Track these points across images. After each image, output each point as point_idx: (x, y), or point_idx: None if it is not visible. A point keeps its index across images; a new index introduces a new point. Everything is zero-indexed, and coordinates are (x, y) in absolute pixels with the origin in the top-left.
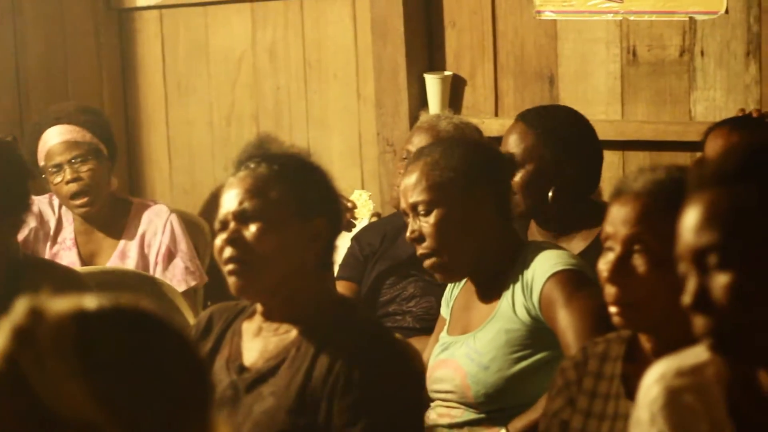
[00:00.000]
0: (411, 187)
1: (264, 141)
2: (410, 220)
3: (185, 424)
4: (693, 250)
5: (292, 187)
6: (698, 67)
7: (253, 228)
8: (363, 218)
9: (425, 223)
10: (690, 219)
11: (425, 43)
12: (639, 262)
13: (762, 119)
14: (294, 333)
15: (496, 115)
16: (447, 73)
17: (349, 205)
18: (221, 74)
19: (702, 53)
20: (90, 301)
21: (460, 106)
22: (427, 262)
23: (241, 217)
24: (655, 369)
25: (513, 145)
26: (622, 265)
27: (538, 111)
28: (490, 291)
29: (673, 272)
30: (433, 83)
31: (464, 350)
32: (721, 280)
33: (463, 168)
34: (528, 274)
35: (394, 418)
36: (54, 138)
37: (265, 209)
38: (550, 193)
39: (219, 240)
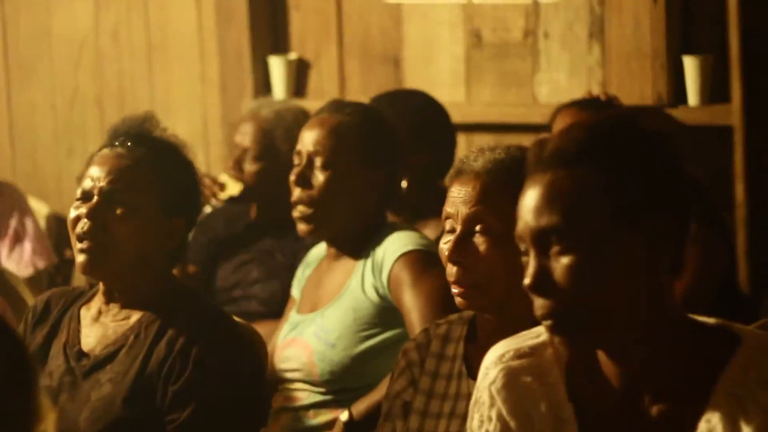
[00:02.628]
0: (315, 137)
1: (147, 121)
2: (299, 167)
3: (4, 405)
4: (533, 232)
5: (164, 182)
6: (542, 49)
7: (116, 210)
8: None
9: (318, 174)
10: (530, 200)
11: (270, 25)
12: (480, 242)
13: (610, 101)
14: (133, 319)
15: (342, 97)
16: (292, 55)
17: (216, 187)
18: (64, 57)
19: (545, 35)
20: None
21: (306, 88)
22: (299, 209)
23: (108, 196)
24: (493, 350)
25: None
26: (463, 244)
27: (390, 96)
28: (342, 267)
29: (514, 251)
30: (277, 66)
31: (312, 328)
32: (561, 262)
33: (368, 140)
34: (379, 253)
35: (228, 402)
36: None
37: (134, 197)
38: (404, 182)
39: (76, 210)
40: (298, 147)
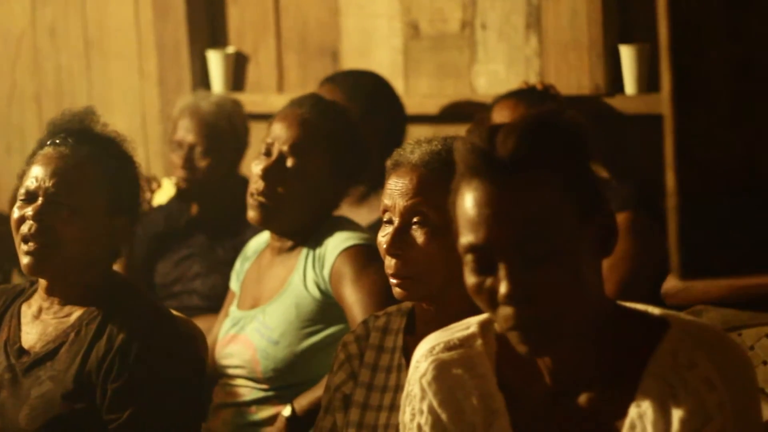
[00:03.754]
0: (291, 135)
1: (87, 116)
2: (269, 161)
3: None
4: (506, 244)
5: (109, 181)
6: (479, 40)
7: (62, 212)
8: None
9: (288, 173)
10: (489, 209)
11: (207, 19)
12: (418, 234)
13: (547, 91)
14: (74, 316)
15: (280, 91)
16: (230, 49)
17: (154, 186)
18: (1, 54)
19: (483, 27)
20: None
21: (244, 82)
22: (257, 198)
23: (53, 198)
24: (423, 343)
25: None
26: (400, 237)
27: (343, 73)
28: (284, 263)
29: (452, 243)
30: (215, 60)
31: (254, 325)
32: (542, 272)
33: (342, 149)
34: (320, 248)
35: (168, 400)
36: None
37: (79, 198)
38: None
39: (20, 211)
40: (270, 139)
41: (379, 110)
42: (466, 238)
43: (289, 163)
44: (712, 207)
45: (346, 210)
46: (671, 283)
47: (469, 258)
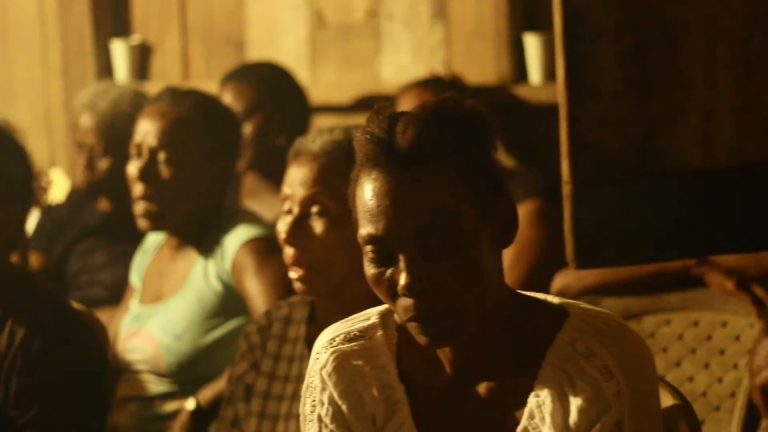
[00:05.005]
0: (156, 130)
1: None
2: (141, 162)
3: None
4: (406, 236)
5: (1, 170)
6: (385, 30)
7: None
8: (57, 199)
9: (163, 169)
10: (388, 201)
11: (111, 8)
12: (317, 224)
13: (453, 81)
14: None
15: (186, 80)
16: (134, 39)
17: (45, 182)
18: None
19: (389, 16)
20: None
21: (149, 72)
22: (142, 206)
23: None
24: (323, 335)
25: (231, 104)
26: (299, 226)
27: (246, 66)
28: (185, 257)
29: (351, 233)
30: (120, 50)
31: (157, 320)
32: (443, 263)
33: (211, 132)
34: (221, 241)
35: (71, 394)
36: None
37: None
38: (282, 141)
39: None
40: (138, 140)
41: (282, 102)
42: (365, 229)
43: (161, 157)
44: (605, 195)
45: (256, 203)
46: (564, 280)
47: (368, 249)
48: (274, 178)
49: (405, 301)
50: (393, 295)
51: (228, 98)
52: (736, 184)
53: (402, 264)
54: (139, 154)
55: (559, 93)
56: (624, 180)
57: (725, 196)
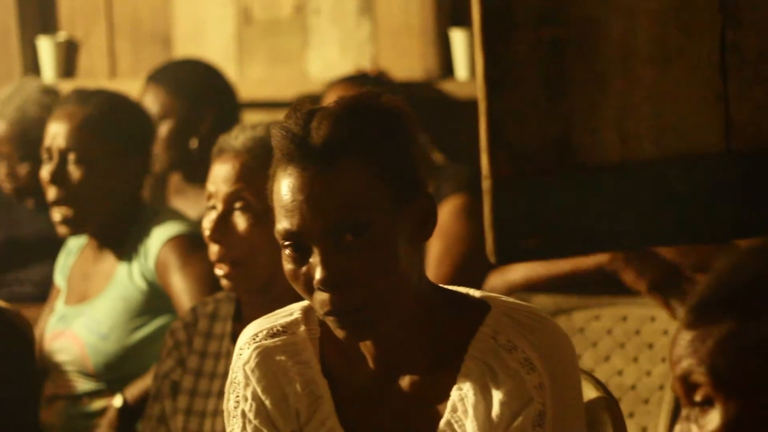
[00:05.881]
0: (65, 131)
1: None
2: (51, 165)
3: None
4: (322, 230)
5: None
6: (312, 25)
7: None
8: None
9: (74, 171)
10: (296, 198)
11: (37, 5)
12: (240, 220)
13: (379, 77)
14: None
15: (113, 77)
16: (60, 36)
17: None
18: None
19: (316, 12)
20: None
21: (75, 69)
22: (58, 211)
23: None
24: (246, 330)
25: (149, 106)
26: (223, 223)
27: (167, 67)
28: (108, 257)
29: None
30: (46, 47)
31: (82, 320)
32: (357, 255)
33: (120, 129)
34: (144, 240)
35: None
36: None
37: None
38: (194, 144)
39: None
40: (48, 143)
41: (207, 99)
42: (281, 224)
43: (71, 158)
44: (524, 189)
45: (182, 201)
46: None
47: (285, 244)
48: (198, 177)
49: (321, 296)
50: (310, 290)
51: (147, 100)
52: (654, 178)
53: (317, 258)
54: (50, 158)
55: (478, 88)
56: (543, 174)
57: (644, 190)
